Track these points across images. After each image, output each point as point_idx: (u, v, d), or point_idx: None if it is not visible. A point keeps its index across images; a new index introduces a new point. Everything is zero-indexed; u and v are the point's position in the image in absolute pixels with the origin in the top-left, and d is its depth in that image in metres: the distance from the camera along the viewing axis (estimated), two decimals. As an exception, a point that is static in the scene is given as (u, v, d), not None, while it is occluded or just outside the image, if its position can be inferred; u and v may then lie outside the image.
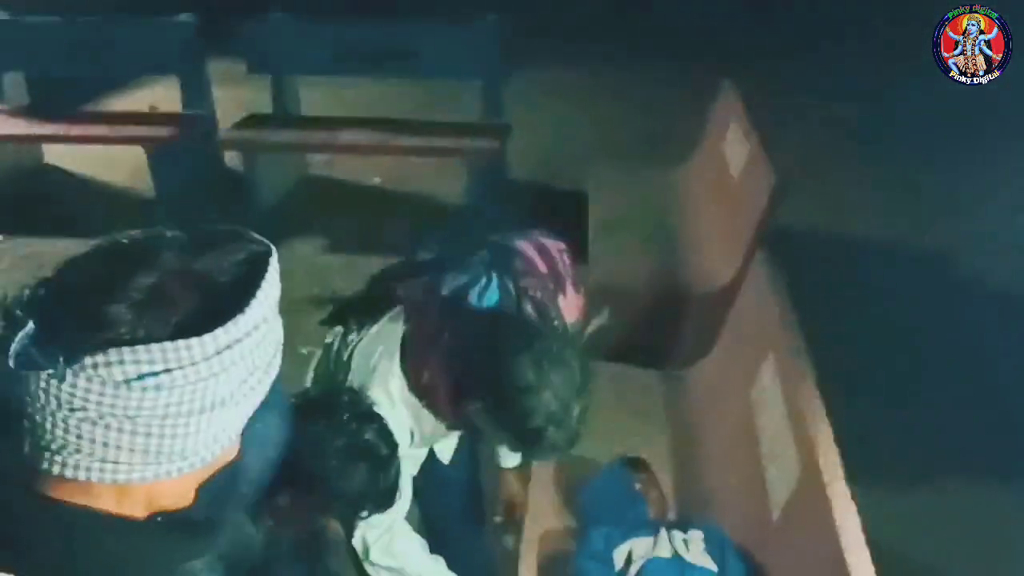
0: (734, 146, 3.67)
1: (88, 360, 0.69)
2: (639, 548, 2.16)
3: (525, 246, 1.89)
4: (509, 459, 2.28)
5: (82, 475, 0.72)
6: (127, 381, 0.69)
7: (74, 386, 0.69)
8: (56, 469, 0.72)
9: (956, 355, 3.72)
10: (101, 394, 0.69)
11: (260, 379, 0.77)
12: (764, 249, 2.87)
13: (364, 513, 1.52)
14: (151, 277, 0.72)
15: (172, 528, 0.77)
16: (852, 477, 1.89)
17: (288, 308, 3.02)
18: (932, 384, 3.58)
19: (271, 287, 0.76)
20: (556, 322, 1.87)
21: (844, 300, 4.01)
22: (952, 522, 2.97)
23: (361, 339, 1.77)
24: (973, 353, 3.72)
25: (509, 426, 1.62)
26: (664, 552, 2.13)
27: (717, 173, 3.73)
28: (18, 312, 0.70)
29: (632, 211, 3.98)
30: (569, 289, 1.93)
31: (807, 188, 4.24)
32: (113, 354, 0.69)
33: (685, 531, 2.21)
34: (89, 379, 0.69)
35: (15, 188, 4.82)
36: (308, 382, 1.96)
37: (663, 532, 2.20)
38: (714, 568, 2.11)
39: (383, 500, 1.51)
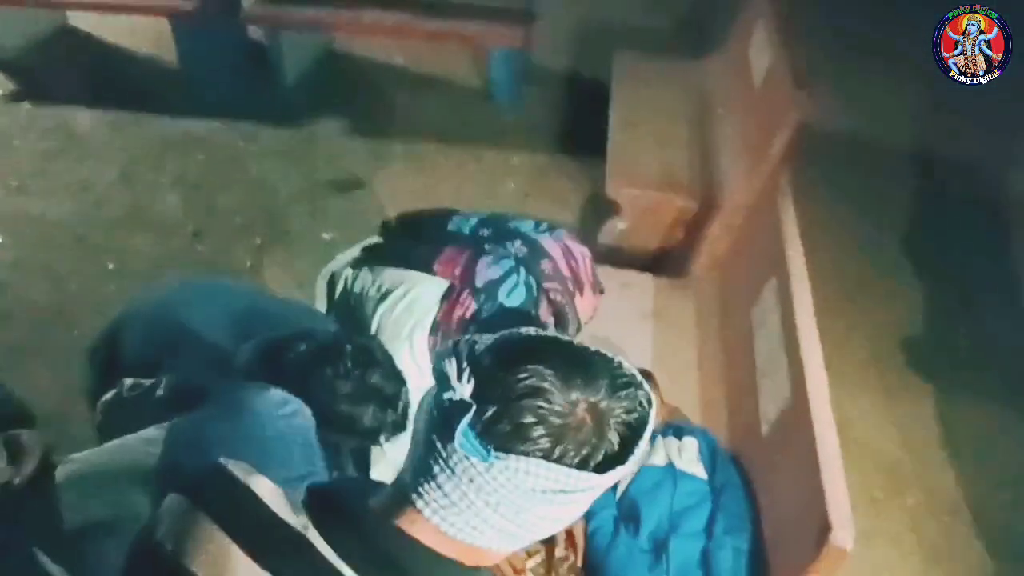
0: (758, 51, 3.65)
1: (514, 462, 0.82)
2: (636, 453, 2.36)
3: (554, 248, 2.00)
4: None
5: (447, 528, 0.87)
6: (534, 489, 0.83)
7: (488, 471, 0.82)
8: (428, 514, 0.87)
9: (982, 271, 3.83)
10: (506, 488, 0.83)
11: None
12: (783, 166, 2.94)
13: (382, 439, 1.68)
14: (569, 402, 0.83)
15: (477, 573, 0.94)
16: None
17: (311, 191, 3.21)
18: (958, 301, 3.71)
19: (647, 440, 0.88)
20: (571, 320, 2.01)
21: (866, 210, 4.09)
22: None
23: (387, 294, 1.92)
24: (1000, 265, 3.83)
25: None
26: (658, 460, 2.33)
27: (740, 79, 3.73)
28: (456, 393, 0.83)
29: (655, 109, 4.00)
30: (587, 291, 2.05)
31: (832, 97, 4.24)
32: (534, 466, 0.82)
33: (680, 438, 2.41)
34: (507, 476, 0.82)
35: (39, 54, 4.82)
36: (320, 302, 2.10)
37: (659, 439, 2.40)
38: (704, 476, 2.32)
39: (395, 429, 1.67)
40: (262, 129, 4.38)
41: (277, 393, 1.49)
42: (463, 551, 0.89)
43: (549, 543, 2.22)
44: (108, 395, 1.58)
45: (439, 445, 0.83)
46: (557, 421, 0.83)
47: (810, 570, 1.89)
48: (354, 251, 2.13)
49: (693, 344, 2.97)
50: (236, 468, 0.96)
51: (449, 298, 1.90)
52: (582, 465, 0.84)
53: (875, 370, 3.36)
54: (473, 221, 2.06)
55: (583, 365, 0.87)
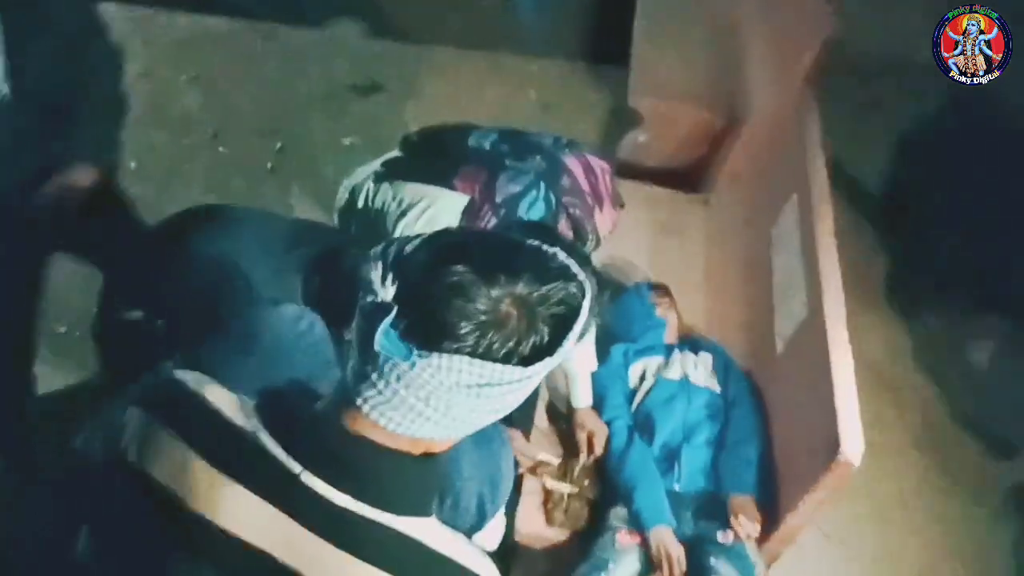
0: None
1: (435, 360, 0.84)
2: (652, 367, 2.42)
3: (573, 163, 1.98)
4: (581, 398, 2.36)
5: (391, 426, 0.91)
6: (458, 384, 0.86)
7: (413, 368, 0.85)
8: (367, 411, 0.90)
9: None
10: (431, 384, 0.86)
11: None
12: (810, 82, 2.90)
13: None
14: (491, 297, 0.85)
15: (434, 463, 0.99)
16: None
17: (331, 94, 3.18)
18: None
19: (577, 332, 0.90)
20: (590, 235, 2.02)
21: (894, 129, 4.03)
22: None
23: (408, 209, 1.94)
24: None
25: None
26: (674, 374, 2.38)
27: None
28: (379, 296, 0.86)
29: (681, 18, 3.91)
30: (607, 206, 2.04)
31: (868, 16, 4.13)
32: (457, 362, 0.84)
33: (696, 353, 2.46)
34: (431, 373, 0.85)
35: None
36: (338, 207, 2.13)
37: (676, 353, 2.45)
38: (717, 390, 2.38)
39: None
40: (281, 29, 4.32)
41: (290, 308, 1.49)
42: (409, 443, 0.94)
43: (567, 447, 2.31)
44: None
45: (369, 348, 0.86)
46: (480, 317, 0.84)
47: (818, 484, 1.96)
48: (374, 165, 2.14)
49: (710, 260, 2.99)
50: (189, 379, 1.02)
51: (469, 213, 1.92)
52: (507, 358, 0.85)
53: (891, 291, 3.38)
54: (493, 136, 2.06)
55: (508, 259, 0.89)
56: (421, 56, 4.27)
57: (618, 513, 2.17)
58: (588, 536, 2.19)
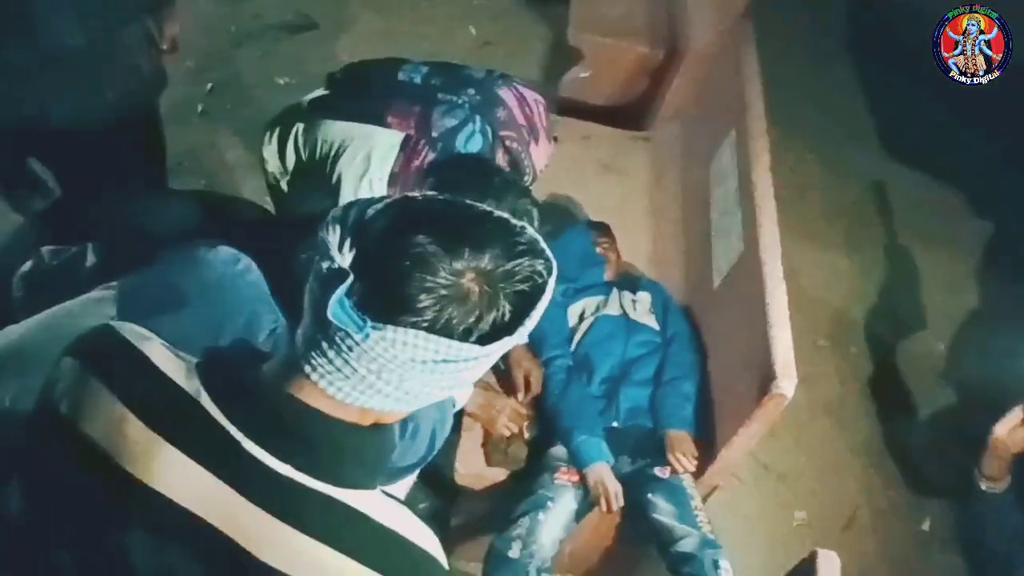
0: None
1: (390, 333, 0.80)
2: (591, 306, 2.41)
3: (508, 96, 1.93)
4: None
5: (340, 395, 0.86)
6: (413, 359, 0.81)
7: (366, 341, 0.80)
8: (316, 379, 0.85)
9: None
10: (385, 358, 0.81)
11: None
12: (747, 15, 2.87)
13: None
14: (453, 271, 0.80)
15: (383, 435, 0.95)
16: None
17: (261, 33, 3.04)
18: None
19: (540, 312, 0.85)
20: (527, 168, 1.97)
21: (830, 71, 4.04)
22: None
23: (343, 148, 1.87)
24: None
25: None
26: (613, 311, 2.37)
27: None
28: (335, 262, 0.81)
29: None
30: (542, 139, 2.00)
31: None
32: (413, 337, 0.80)
33: (635, 292, 2.45)
34: (384, 346, 0.80)
35: None
36: (269, 154, 2.05)
37: (615, 292, 2.44)
38: (656, 327, 2.38)
39: None
40: (208, -34, 4.14)
41: (227, 249, 1.44)
42: (358, 413, 0.90)
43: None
44: (26, 266, 1.48)
45: (321, 315, 0.81)
46: (441, 292, 0.80)
47: (753, 416, 1.98)
48: (299, 105, 2.06)
49: (651, 198, 2.98)
50: (130, 333, 0.96)
51: (406, 149, 1.87)
52: (466, 335, 0.81)
53: (828, 224, 3.42)
54: (424, 70, 1.99)
55: (473, 232, 0.84)
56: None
57: (557, 452, 2.17)
58: (527, 476, 2.18)
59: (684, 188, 2.86)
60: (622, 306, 2.39)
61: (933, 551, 2.66)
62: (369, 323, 0.80)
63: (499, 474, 2.25)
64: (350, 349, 0.83)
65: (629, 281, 2.52)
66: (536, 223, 1.77)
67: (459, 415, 2.23)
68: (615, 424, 2.20)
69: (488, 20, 4.09)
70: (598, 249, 2.54)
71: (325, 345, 0.84)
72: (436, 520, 2.18)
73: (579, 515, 2.11)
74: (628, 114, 3.37)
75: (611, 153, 3.11)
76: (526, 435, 2.26)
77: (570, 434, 2.14)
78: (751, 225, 2.25)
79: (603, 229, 2.62)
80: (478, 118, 1.91)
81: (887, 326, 3.14)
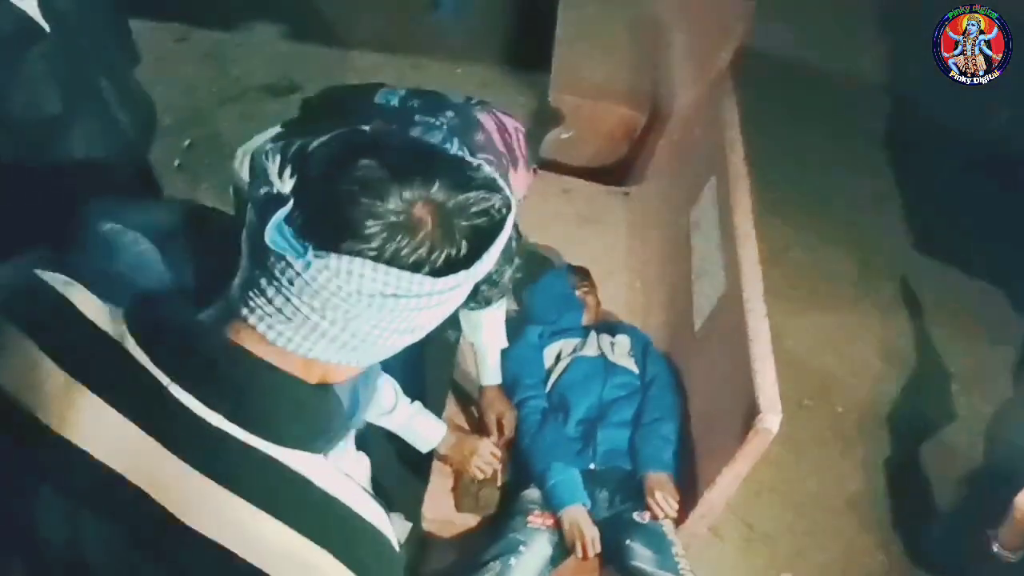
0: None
1: (335, 262, 0.73)
2: (568, 348, 2.33)
3: (487, 120, 1.89)
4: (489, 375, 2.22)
5: (281, 341, 0.79)
6: (359, 292, 0.74)
7: (308, 270, 0.74)
8: (255, 322, 0.78)
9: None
10: (328, 290, 0.74)
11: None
12: (728, 75, 2.88)
13: None
14: (403, 199, 0.75)
15: (330, 395, 0.86)
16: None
17: (245, 94, 3.01)
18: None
19: (499, 248, 0.80)
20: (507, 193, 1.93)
21: (809, 128, 4.08)
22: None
23: None
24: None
25: None
26: (591, 352, 2.29)
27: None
28: (274, 188, 0.75)
29: (602, 20, 3.89)
30: (521, 166, 1.97)
31: (783, 13, 4.19)
32: (358, 266, 0.73)
33: (614, 335, 2.38)
34: (327, 276, 0.74)
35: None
36: (234, 177, 1.99)
37: (592, 335, 2.36)
38: (635, 370, 2.29)
39: None
40: (194, 30, 4.19)
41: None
42: (302, 366, 0.82)
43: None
44: None
45: (259, 247, 0.75)
46: (389, 219, 0.74)
47: (738, 454, 1.88)
48: (274, 129, 2.02)
49: (630, 249, 2.93)
50: (51, 279, 0.87)
51: None
52: (416, 267, 0.75)
53: (811, 285, 3.37)
54: (402, 93, 1.95)
55: (426, 161, 0.79)
56: (342, 59, 4.19)
57: (530, 495, 2.05)
58: (499, 522, 2.06)
59: (663, 239, 2.82)
60: (600, 347, 2.31)
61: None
62: (311, 250, 0.73)
63: (470, 520, 2.12)
64: (290, 283, 0.75)
65: (607, 326, 2.45)
66: (515, 244, 1.71)
67: (429, 456, 2.13)
68: (592, 466, 2.09)
69: (472, 88, 4.10)
70: (577, 292, 2.48)
71: (264, 282, 0.77)
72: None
73: (554, 562, 1.98)
74: (610, 174, 3.36)
75: (591, 207, 3.09)
76: (499, 480, 2.14)
77: (544, 475, 2.03)
78: (733, 263, 2.19)
79: (583, 274, 2.56)
80: (455, 140, 1.87)
81: (874, 386, 3.06)
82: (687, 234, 2.64)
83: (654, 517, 2.00)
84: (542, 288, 2.51)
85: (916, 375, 3.11)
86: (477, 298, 1.75)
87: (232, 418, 0.80)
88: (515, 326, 2.42)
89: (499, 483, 2.13)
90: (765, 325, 2.03)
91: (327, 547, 0.81)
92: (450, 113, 1.91)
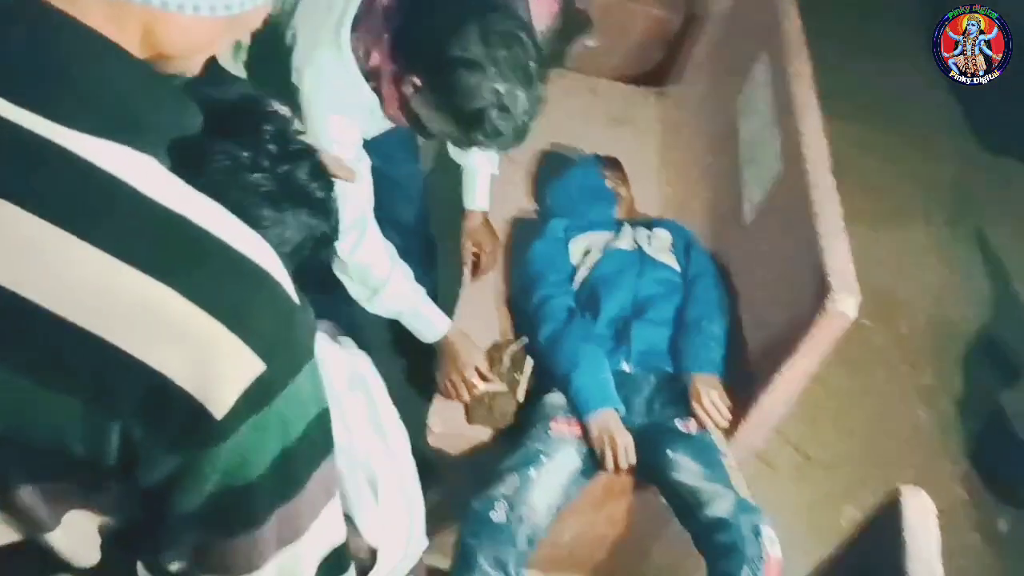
0: None
1: None
2: (598, 242, 2.01)
3: None
4: (475, 198, 2.01)
5: None
6: None
7: None
8: None
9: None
10: None
11: None
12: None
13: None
14: None
15: (166, 80, 0.62)
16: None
17: None
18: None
19: None
20: (521, 13, 1.61)
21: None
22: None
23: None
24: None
25: (449, 107, 1.42)
26: (626, 245, 1.98)
27: None
28: None
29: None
30: None
31: None
32: None
33: (651, 229, 2.06)
34: None
35: None
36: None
37: (627, 227, 2.05)
38: (676, 267, 1.97)
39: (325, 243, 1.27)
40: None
41: None
42: (133, 31, 0.58)
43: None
44: None
45: None
46: None
47: (802, 346, 1.56)
48: None
49: (665, 149, 2.61)
50: None
51: None
52: None
53: (870, 195, 3.02)
54: None
55: None
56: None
57: (554, 399, 1.74)
58: (516, 434, 1.75)
59: (702, 135, 2.48)
60: (636, 241, 1.99)
61: (1008, 554, 2.20)
62: None
63: (482, 434, 1.82)
64: None
65: (644, 221, 2.13)
66: (533, 64, 1.40)
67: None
68: (625, 367, 1.78)
69: None
70: (608, 183, 2.16)
71: None
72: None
73: (585, 475, 1.67)
74: (646, 73, 3.03)
75: (621, 107, 2.76)
76: (520, 390, 1.82)
77: (570, 376, 1.72)
78: (792, 136, 1.86)
79: (613, 163, 2.24)
80: None
81: (941, 306, 2.72)
82: (730, 125, 2.30)
83: (701, 426, 1.68)
84: (567, 180, 2.20)
85: (987, 296, 2.77)
86: (486, 130, 1.45)
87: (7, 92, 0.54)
88: (537, 225, 2.13)
89: (520, 395, 1.82)
90: (834, 199, 1.71)
91: (167, 279, 0.55)
92: None
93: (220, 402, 0.57)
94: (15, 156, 0.54)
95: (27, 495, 0.62)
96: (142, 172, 0.57)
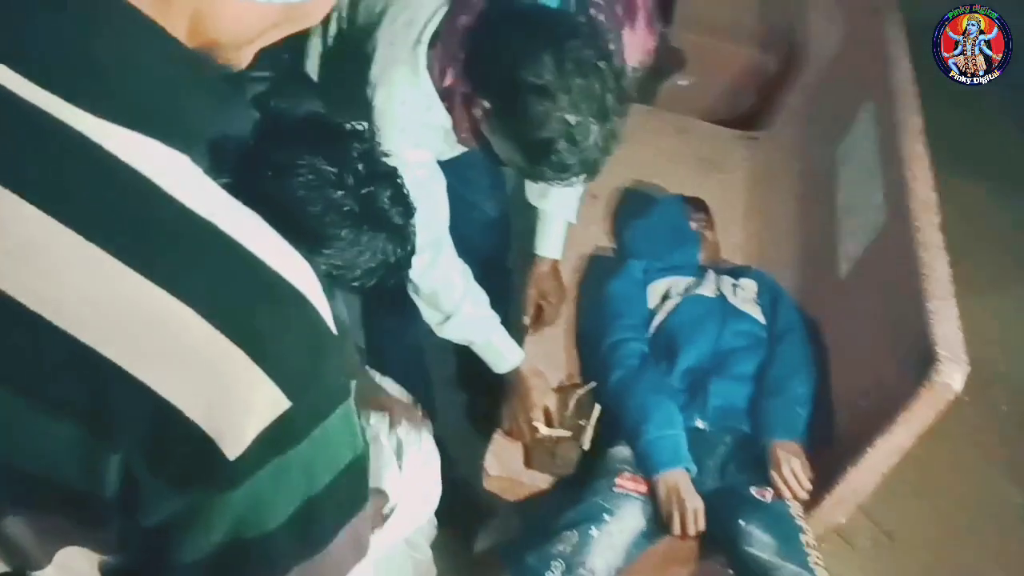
0: None
1: None
2: (678, 287, 1.90)
3: None
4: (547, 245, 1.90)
5: None
6: None
7: None
8: None
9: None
10: None
11: None
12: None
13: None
14: None
15: (216, 81, 0.55)
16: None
17: None
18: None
19: None
20: (612, 47, 1.53)
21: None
22: None
23: (385, 9, 1.45)
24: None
25: (516, 134, 1.34)
26: (708, 292, 1.85)
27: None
28: None
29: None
30: (640, 24, 1.59)
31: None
32: None
33: (736, 278, 1.94)
34: None
35: None
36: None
37: (711, 273, 1.93)
38: (761, 320, 1.84)
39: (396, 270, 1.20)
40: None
41: None
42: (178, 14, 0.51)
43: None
44: None
45: None
46: None
47: (899, 418, 1.42)
48: None
49: (756, 196, 2.47)
50: None
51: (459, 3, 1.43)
52: None
53: (975, 256, 2.82)
54: None
55: None
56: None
57: (620, 453, 1.62)
58: (578, 484, 1.64)
59: (797, 183, 2.35)
60: (719, 288, 1.87)
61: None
62: None
63: (542, 481, 1.71)
64: None
65: (729, 268, 2.01)
66: (610, 97, 1.31)
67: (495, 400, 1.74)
68: (699, 424, 1.66)
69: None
70: (692, 224, 2.04)
71: None
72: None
73: (647, 538, 1.54)
74: (741, 115, 2.92)
75: (710, 148, 2.64)
76: (586, 438, 1.71)
77: (640, 429, 1.60)
78: (898, 188, 1.73)
79: (699, 205, 2.13)
80: None
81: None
82: (827, 173, 2.18)
83: (778, 495, 1.54)
84: (649, 220, 2.09)
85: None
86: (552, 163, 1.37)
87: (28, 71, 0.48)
88: (614, 264, 2.02)
89: (585, 443, 1.71)
90: (943, 259, 1.56)
91: (184, 294, 0.47)
92: None
93: (235, 440, 0.48)
94: (27, 142, 0.47)
95: (14, 526, 0.54)
96: (170, 170, 0.49)
